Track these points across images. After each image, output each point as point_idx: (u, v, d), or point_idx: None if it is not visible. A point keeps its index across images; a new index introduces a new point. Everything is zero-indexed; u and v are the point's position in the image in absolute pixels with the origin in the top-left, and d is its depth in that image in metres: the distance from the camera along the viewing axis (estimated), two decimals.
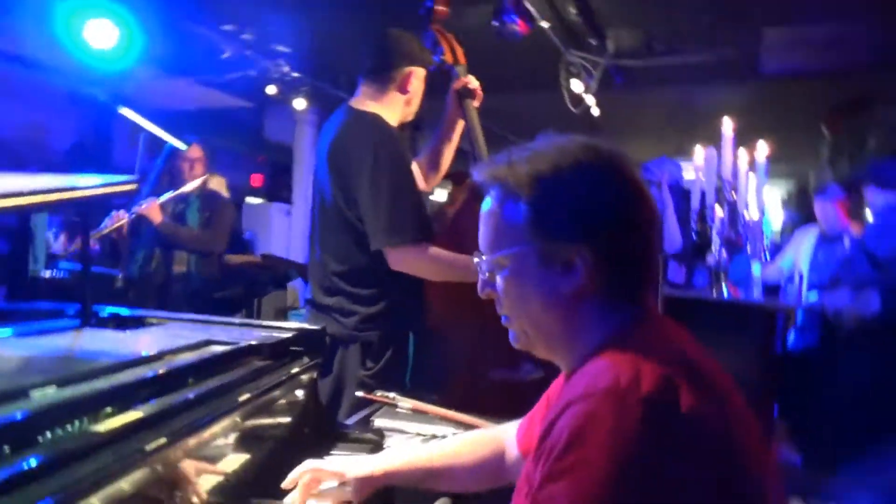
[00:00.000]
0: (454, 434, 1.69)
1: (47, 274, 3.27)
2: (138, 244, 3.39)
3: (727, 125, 3.18)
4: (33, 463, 0.76)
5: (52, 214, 4.63)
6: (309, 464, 1.22)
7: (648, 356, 0.84)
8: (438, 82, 2.37)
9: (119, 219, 3.24)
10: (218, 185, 3.87)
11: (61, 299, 1.68)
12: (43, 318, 1.55)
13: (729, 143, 3.15)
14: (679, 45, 4.67)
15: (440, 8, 2.35)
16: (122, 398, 0.99)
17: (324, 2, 4.20)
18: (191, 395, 1.08)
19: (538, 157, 0.94)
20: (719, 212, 3.19)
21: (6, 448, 0.79)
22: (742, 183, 3.25)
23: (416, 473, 1.23)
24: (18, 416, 0.82)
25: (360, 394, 1.92)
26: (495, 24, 3.68)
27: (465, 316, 2.31)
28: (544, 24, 4.08)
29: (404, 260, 2.09)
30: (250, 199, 8.07)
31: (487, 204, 0.99)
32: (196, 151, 3.57)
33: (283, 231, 7.12)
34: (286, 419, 1.47)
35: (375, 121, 2.15)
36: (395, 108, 2.22)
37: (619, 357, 0.84)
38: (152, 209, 3.31)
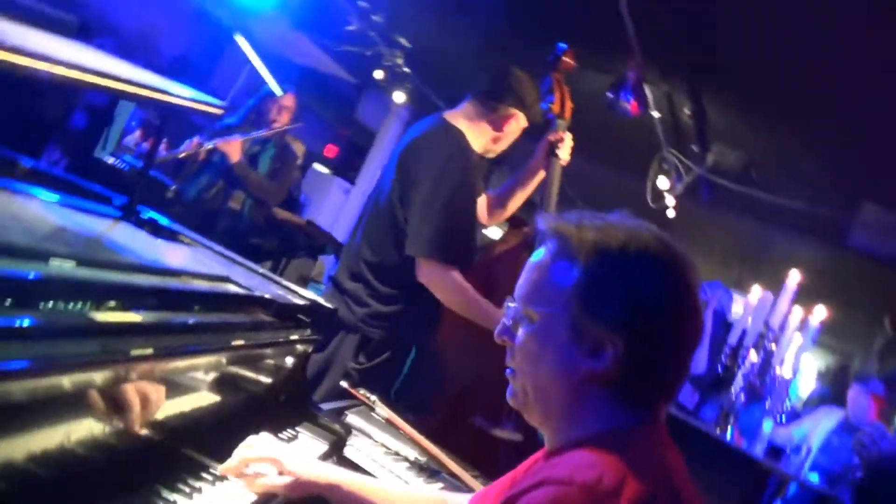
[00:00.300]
0: (416, 459, 1.67)
1: (110, 160, 3.36)
2: (206, 170, 3.46)
3: (793, 277, 3.11)
4: (26, 323, 0.77)
5: (137, 108, 4.79)
6: (261, 439, 1.20)
7: (639, 468, 0.80)
8: (536, 128, 2.38)
9: (196, 146, 3.32)
10: (295, 144, 3.94)
11: (113, 188, 1.73)
12: (90, 198, 1.59)
13: (788, 296, 3.07)
14: (776, 182, 4.60)
15: (567, 60, 2.37)
16: (128, 297, 1.00)
17: (459, 12, 4.28)
18: (190, 321, 1.09)
19: (609, 229, 0.91)
20: (753, 356, 3.10)
21: (8, 301, 0.81)
22: (786, 338, 3.16)
23: (355, 501, 1.20)
24: (31, 275, 0.84)
25: (344, 384, 1.91)
26: (610, 95, 3.69)
27: (471, 353, 2.29)
28: (655, 114, 4.07)
29: (429, 274, 2.10)
30: (318, 166, 8.18)
31: (540, 255, 0.96)
32: (289, 100, 3.65)
33: (336, 206, 7.20)
34: (267, 379, 1.47)
35: (458, 137, 2.16)
36: (482, 138, 2.23)
37: (610, 458, 0.81)
38: (233, 147, 3.38)
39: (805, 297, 3.27)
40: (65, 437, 0.87)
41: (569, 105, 2.36)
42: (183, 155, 3.34)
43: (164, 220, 1.70)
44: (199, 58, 5.66)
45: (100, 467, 0.93)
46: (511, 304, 0.98)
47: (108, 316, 0.91)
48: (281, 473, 1.18)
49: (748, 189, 4.59)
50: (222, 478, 1.14)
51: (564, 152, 2.33)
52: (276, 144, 3.64)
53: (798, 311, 3.14)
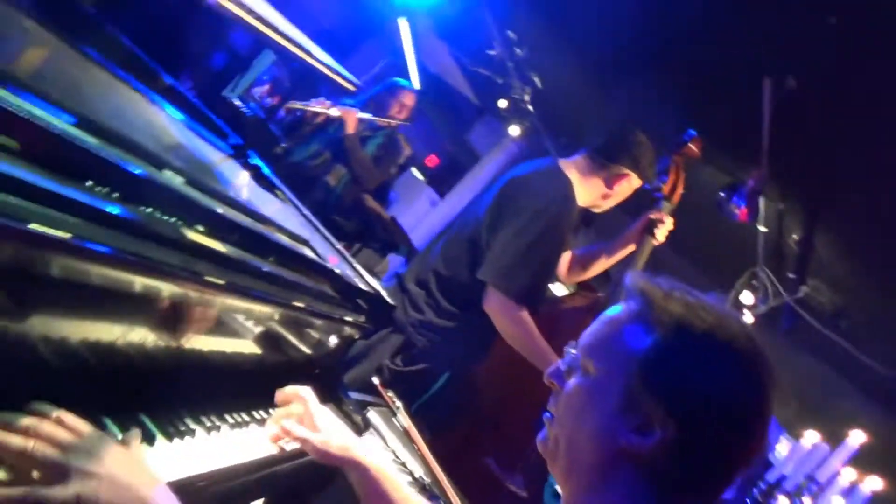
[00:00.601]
0: (420, 477, 1.65)
1: (235, 102, 3.52)
2: (318, 137, 3.58)
3: (856, 437, 2.92)
4: (119, 212, 0.80)
5: (272, 65, 5.01)
6: (311, 397, 1.20)
7: None
8: (640, 202, 2.35)
9: (322, 104, 3.45)
10: (404, 143, 4.02)
11: (231, 127, 1.80)
12: (210, 129, 1.66)
13: (844, 454, 2.88)
14: (864, 337, 4.35)
15: (693, 148, 2.34)
16: (217, 227, 1.04)
17: (602, 70, 4.28)
18: (263, 268, 1.11)
19: (699, 308, 0.85)
20: (784, 502, 2.92)
21: (116, 193, 0.85)
22: (826, 498, 2.96)
23: (374, 487, 1.17)
24: (141, 173, 0.88)
25: (375, 380, 1.91)
26: (722, 195, 3.59)
27: (508, 394, 2.26)
28: (762, 228, 3.94)
29: (497, 304, 2.09)
30: (415, 171, 8.33)
31: (617, 310, 0.90)
32: (410, 99, 3.74)
33: (420, 214, 7.29)
34: (308, 350, 1.49)
35: (566, 186, 2.16)
36: (590, 193, 2.22)
37: None
38: (352, 117, 3.48)
39: (860, 462, 3.06)
40: (120, 335, 0.90)
41: (679, 190, 2.33)
42: (310, 108, 3.46)
43: (267, 171, 1.76)
44: (344, 38, 5.87)
45: (140, 375, 0.96)
46: (571, 351, 0.93)
47: (195, 236, 0.95)
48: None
49: (833, 334, 4.36)
50: (241, 424, 1.15)
51: (661, 233, 2.29)
52: (386, 135, 3.72)
53: (849, 474, 2.94)
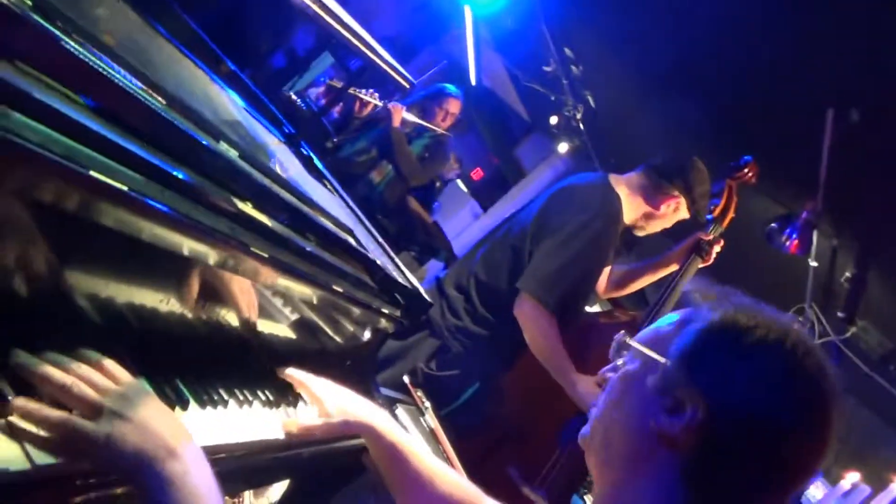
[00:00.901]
0: None
1: (291, 95, 3.59)
2: (366, 135, 3.63)
3: None
4: (181, 176, 0.82)
5: (330, 67, 5.10)
6: (347, 395, 1.23)
7: None
8: (687, 225, 2.31)
9: (371, 95, 3.51)
10: (452, 156, 4.04)
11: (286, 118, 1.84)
12: (266, 116, 1.69)
13: (887, 500, 2.76)
14: None
15: (749, 173, 2.29)
16: (266, 202, 1.05)
17: (658, 95, 4.24)
18: (307, 248, 1.12)
19: (760, 316, 0.82)
20: None
21: (172, 155, 0.87)
22: None
23: (393, 455, 1.18)
24: (203, 140, 0.90)
25: (406, 379, 1.91)
26: (774, 226, 3.51)
27: (534, 408, 2.23)
28: (812, 263, 3.82)
29: (527, 311, 2.07)
30: (459, 182, 8.36)
31: (674, 316, 0.90)
32: (455, 107, 3.76)
33: (461, 226, 7.30)
34: (342, 341, 1.49)
35: (614, 201, 2.14)
36: (636, 211, 2.20)
37: None
38: (398, 111, 3.54)
39: None
40: (162, 300, 0.92)
41: (730, 215, 2.29)
42: (360, 95, 3.53)
43: (317, 161, 1.79)
44: (405, 42, 5.93)
45: (178, 342, 0.98)
46: (624, 337, 0.92)
47: (244, 207, 0.96)
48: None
49: (880, 378, 4.20)
50: (273, 404, 1.16)
51: (709, 255, 2.25)
52: (433, 137, 3.74)
53: None
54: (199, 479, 0.74)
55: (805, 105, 3.00)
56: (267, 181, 1.09)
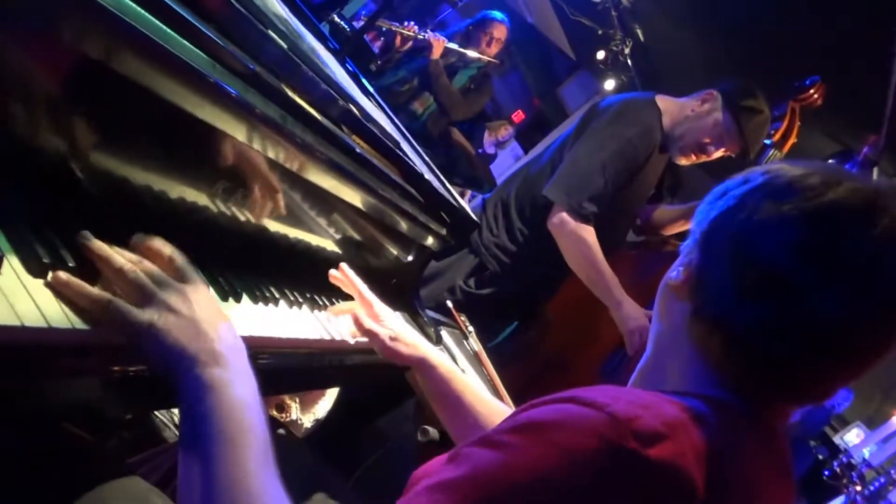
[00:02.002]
0: None
1: (333, 17, 3.52)
2: (406, 65, 3.54)
3: None
4: (250, 65, 0.80)
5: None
6: (395, 319, 1.21)
7: (702, 443, 0.63)
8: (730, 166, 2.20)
9: (409, 29, 3.42)
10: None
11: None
12: (313, 31, 1.65)
13: None
14: None
15: (814, 94, 2.15)
16: (317, 98, 1.03)
17: (707, 26, 4.05)
18: (357, 149, 1.09)
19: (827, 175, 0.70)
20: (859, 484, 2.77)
21: (233, 42, 0.84)
22: None
23: (444, 387, 1.16)
24: (259, 27, 0.86)
25: (449, 304, 1.90)
26: (830, 162, 3.36)
27: (578, 338, 2.21)
28: None
29: (560, 223, 1.98)
30: None
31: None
32: (500, 31, 3.62)
33: (502, 167, 7.20)
34: (387, 260, 1.47)
35: (654, 117, 2.05)
36: (679, 112, 2.08)
37: (671, 409, 0.66)
38: (438, 44, 3.43)
39: None
40: (214, 198, 0.90)
41: (791, 140, 2.17)
42: (401, 30, 3.44)
43: (363, 77, 1.74)
44: None
45: (230, 241, 0.97)
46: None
47: (299, 100, 0.93)
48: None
49: None
50: (322, 308, 1.16)
51: None
52: (479, 68, 3.63)
53: None
54: (240, 390, 0.69)
55: (869, 26, 2.81)
56: (317, 79, 1.05)
